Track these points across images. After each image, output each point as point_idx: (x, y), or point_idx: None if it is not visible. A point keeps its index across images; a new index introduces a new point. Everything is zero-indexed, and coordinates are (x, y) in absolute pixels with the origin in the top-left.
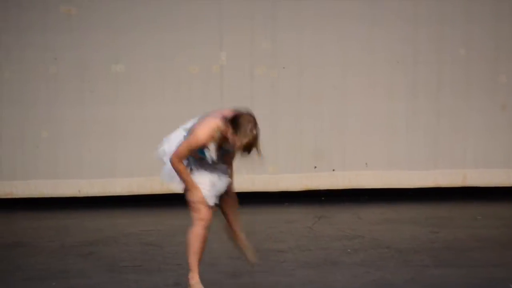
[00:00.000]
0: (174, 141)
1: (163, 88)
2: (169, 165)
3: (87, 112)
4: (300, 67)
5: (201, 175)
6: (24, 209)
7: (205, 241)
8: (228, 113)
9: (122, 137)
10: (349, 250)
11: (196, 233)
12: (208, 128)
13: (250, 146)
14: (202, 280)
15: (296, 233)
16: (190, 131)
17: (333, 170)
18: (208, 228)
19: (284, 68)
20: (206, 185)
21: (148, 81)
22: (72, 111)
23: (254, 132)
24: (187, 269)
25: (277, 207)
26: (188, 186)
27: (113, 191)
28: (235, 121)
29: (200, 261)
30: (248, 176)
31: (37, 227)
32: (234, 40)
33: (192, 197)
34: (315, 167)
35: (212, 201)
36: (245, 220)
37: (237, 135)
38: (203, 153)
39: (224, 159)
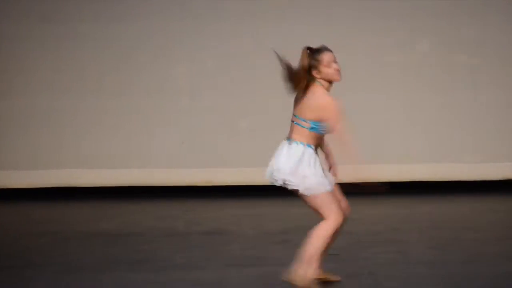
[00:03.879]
0: (283, 157)
1: (363, 77)
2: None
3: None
4: (501, 56)
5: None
6: (223, 196)
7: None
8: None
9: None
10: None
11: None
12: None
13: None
14: None
15: None
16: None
17: None
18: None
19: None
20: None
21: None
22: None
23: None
24: (383, 259)
25: None
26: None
27: None
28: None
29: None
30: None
31: (237, 214)
32: (436, 27)
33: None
34: None
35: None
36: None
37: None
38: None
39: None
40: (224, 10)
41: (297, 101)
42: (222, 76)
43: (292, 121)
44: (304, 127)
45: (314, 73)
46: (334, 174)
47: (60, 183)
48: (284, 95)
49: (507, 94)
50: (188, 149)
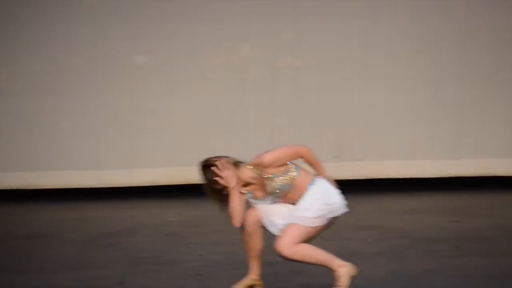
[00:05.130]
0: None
1: (186, 80)
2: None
3: (109, 103)
4: (322, 57)
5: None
6: (47, 200)
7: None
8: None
9: (144, 128)
10: (370, 240)
11: None
12: None
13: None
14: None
15: None
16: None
17: (355, 160)
18: (248, 228)
19: (306, 58)
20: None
21: (170, 72)
22: (93, 102)
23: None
24: (209, 260)
25: None
26: None
27: (135, 182)
28: None
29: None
30: None
31: (60, 218)
32: (258, 31)
33: None
34: (337, 156)
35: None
36: None
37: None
38: None
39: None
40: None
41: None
42: (43, 77)
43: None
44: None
45: None
46: None
47: None
48: (106, 96)
49: (331, 95)
50: (8, 152)
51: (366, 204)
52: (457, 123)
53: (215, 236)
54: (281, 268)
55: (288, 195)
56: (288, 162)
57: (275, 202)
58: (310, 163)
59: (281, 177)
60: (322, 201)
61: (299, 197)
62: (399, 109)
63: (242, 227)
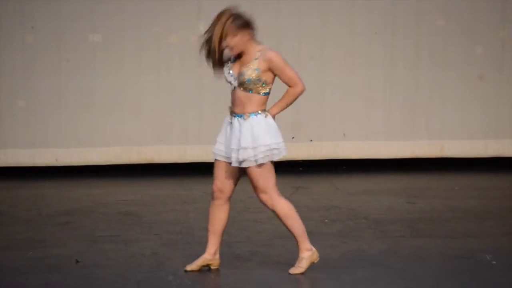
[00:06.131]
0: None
1: (141, 58)
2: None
3: (64, 81)
4: (278, 37)
5: None
6: (1, 178)
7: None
8: None
9: (100, 107)
10: (326, 220)
11: None
12: None
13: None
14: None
15: None
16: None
17: (311, 140)
18: (215, 200)
19: (261, 39)
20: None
21: (125, 50)
22: (49, 80)
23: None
24: (165, 239)
25: None
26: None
27: (91, 161)
28: None
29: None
30: None
31: (14, 196)
32: (213, 9)
33: None
34: (293, 137)
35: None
36: None
37: None
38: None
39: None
40: None
41: None
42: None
43: None
44: None
45: None
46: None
47: None
48: (62, 74)
49: None
50: None
51: (322, 185)
52: (412, 104)
53: (171, 215)
54: (238, 248)
55: (238, 94)
56: (273, 80)
57: (231, 86)
58: (285, 99)
59: (255, 77)
60: (259, 141)
61: (240, 110)
62: (354, 89)
63: (212, 198)
